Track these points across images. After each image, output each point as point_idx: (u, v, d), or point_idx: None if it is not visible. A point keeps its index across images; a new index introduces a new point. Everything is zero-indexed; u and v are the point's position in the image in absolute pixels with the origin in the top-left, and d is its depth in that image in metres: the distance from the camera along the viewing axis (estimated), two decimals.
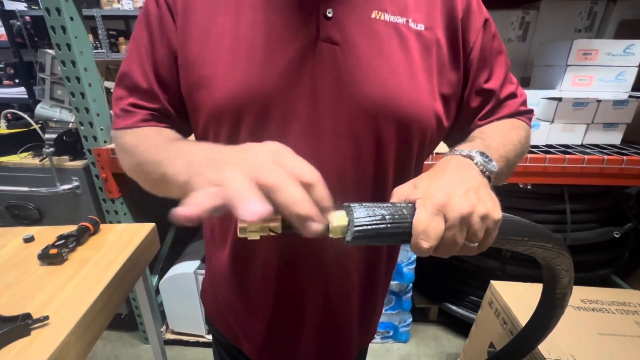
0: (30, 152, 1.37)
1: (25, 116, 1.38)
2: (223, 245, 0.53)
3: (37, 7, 2.42)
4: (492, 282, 1.09)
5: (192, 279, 1.44)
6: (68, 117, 1.37)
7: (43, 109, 1.40)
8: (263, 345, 0.57)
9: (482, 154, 0.38)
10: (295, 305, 0.53)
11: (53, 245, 0.71)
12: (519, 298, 1.00)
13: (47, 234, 0.80)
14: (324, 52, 0.41)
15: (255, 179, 0.27)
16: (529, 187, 1.26)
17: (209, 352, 1.50)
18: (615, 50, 1.24)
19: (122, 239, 0.81)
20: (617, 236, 1.34)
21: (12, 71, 2.38)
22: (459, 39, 0.46)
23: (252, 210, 0.25)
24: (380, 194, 0.47)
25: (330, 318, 0.54)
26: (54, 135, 1.23)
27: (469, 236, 0.32)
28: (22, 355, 0.50)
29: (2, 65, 2.38)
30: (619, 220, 1.39)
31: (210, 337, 1.12)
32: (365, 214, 0.31)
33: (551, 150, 1.23)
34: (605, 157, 1.15)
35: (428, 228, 0.30)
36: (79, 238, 0.77)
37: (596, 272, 1.43)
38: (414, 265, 1.47)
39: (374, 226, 0.30)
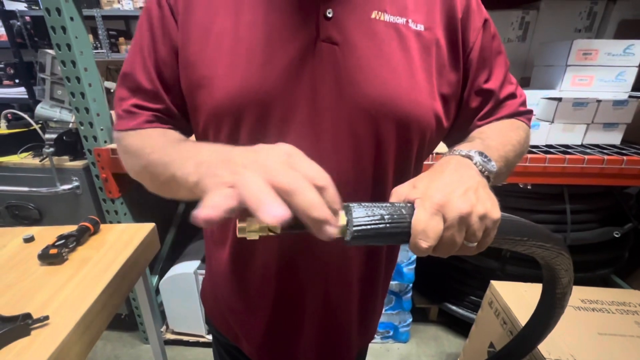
0: (30, 152, 1.37)
1: (26, 116, 1.38)
2: (223, 245, 0.53)
3: (37, 7, 2.43)
4: (492, 282, 1.09)
5: (192, 279, 1.44)
6: (68, 117, 1.37)
7: (43, 109, 1.40)
8: (263, 345, 0.57)
9: (481, 154, 0.38)
10: (295, 305, 0.53)
11: (53, 245, 0.72)
12: (519, 298, 1.00)
13: (47, 234, 0.80)
14: (323, 52, 0.41)
15: (271, 182, 0.27)
16: (529, 187, 1.26)
17: (209, 352, 1.51)
18: (615, 50, 1.24)
19: (122, 239, 0.81)
20: (617, 236, 1.34)
21: (12, 71, 2.39)
22: (458, 39, 0.46)
23: (272, 213, 0.25)
24: (379, 194, 0.47)
25: (330, 318, 0.54)
26: (54, 136, 1.23)
27: (468, 236, 0.32)
28: (22, 355, 0.50)
29: (2, 66, 2.38)
30: (619, 220, 1.39)
31: (210, 337, 1.12)
32: (364, 214, 0.31)
33: (551, 150, 1.23)
34: (605, 157, 1.15)
35: (427, 228, 0.30)
36: (79, 238, 0.77)
37: (596, 272, 1.43)
38: (414, 265, 1.47)
39: (372, 226, 0.30)
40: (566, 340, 0.84)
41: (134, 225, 0.87)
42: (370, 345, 0.71)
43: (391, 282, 1.51)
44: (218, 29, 0.42)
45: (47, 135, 1.24)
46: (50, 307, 0.58)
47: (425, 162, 0.53)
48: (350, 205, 0.31)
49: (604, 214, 1.38)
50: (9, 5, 2.37)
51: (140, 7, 2.52)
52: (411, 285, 1.52)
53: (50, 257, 0.70)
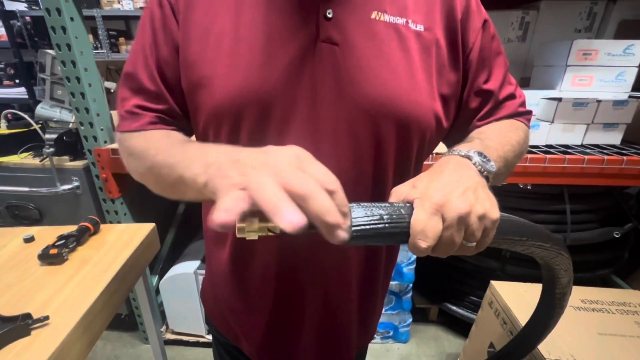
0: (30, 152, 1.37)
1: (26, 116, 1.38)
2: (223, 245, 0.53)
3: (37, 8, 2.43)
4: (492, 282, 1.09)
5: (192, 279, 1.44)
6: (68, 117, 1.38)
7: (43, 109, 1.40)
8: (263, 345, 0.57)
9: (480, 154, 0.38)
10: (295, 305, 0.53)
11: (53, 246, 0.72)
12: (519, 298, 1.00)
13: (47, 234, 0.80)
14: (323, 53, 0.41)
15: (284, 185, 0.27)
16: (529, 187, 1.26)
17: (209, 352, 1.51)
18: (615, 50, 1.24)
19: (122, 239, 0.81)
20: (617, 236, 1.34)
21: (12, 71, 2.39)
22: (458, 40, 0.46)
23: (290, 220, 0.25)
24: (379, 194, 0.47)
25: (330, 318, 0.54)
26: (54, 136, 1.23)
27: (467, 236, 0.32)
28: (22, 355, 0.50)
29: (2, 66, 2.38)
30: (619, 220, 1.39)
31: (210, 337, 1.12)
32: (363, 214, 0.31)
33: (551, 150, 1.23)
34: (605, 157, 1.15)
35: (426, 228, 0.30)
36: (79, 238, 0.77)
37: (596, 272, 1.43)
38: (414, 266, 1.47)
39: (372, 226, 0.30)
40: (566, 340, 0.84)
41: (134, 226, 0.87)
42: (370, 345, 0.71)
43: (391, 282, 1.51)
44: (218, 29, 0.42)
45: (47, 136, 1.24)
46: (50, 307, 0.59)
47: (425, 162, 0.53)
48: (350, 205, 0.31)
49: (604, 214, 1.38)
50: (9, 6, 2.38)
51: (141, 7, 2.52)
52: (411, 285, 1.52)
53: (51, 257, 0.70)
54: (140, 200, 1.41)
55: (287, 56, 0.41)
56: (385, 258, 0.56)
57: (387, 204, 0.32)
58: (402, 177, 0.47)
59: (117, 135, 0.49)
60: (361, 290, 0.55)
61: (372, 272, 0.55)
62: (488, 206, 0.32)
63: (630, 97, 1.26)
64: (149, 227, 0.87)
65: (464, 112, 0.50)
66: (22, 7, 2.44)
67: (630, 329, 0.91)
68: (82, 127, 1.18)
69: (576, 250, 1.34)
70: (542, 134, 1.28)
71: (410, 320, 1.60)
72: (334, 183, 0.29)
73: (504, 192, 1.35)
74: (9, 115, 1.50)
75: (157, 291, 1.56)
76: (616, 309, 0.98)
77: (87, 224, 0.81)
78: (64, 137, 1.26)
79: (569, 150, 1.22)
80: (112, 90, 1.40)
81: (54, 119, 1.39)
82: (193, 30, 0.43)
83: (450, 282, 1.64)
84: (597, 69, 1.27)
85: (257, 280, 0.52)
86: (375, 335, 1.66)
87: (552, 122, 1.26)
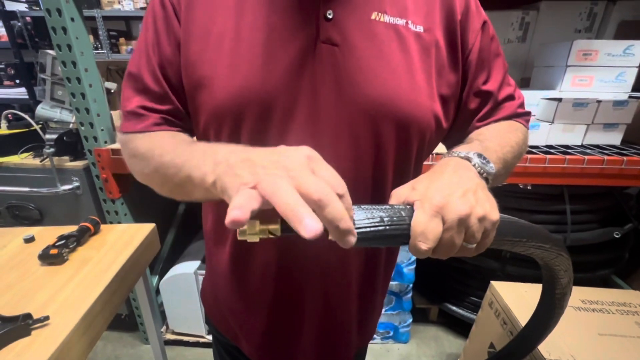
0: (30, 152, 1.37)
1: (26, 117, 1.38)
2: (223, 245, 0.53)
3: (38, 8, 2.44)
4: (492, 282, 1.09)
5: (192, 279, 1.44)
6: (68, 117, 1.38)
7: (44, 110, 1.40)
8: (263, 345, 0.57)
9: (479, 155, 0.38)
10: (295, 305, 0.53)
11: (53, 246, 0.72)
12: (519, 298, 1.00)
13: (47, 234, 0.80)
14: (323, 53, 0.41)
15: (299, 188, 0.27)
16: (529, 187, 1.26)
17: (209, 352, 1.51)
18: (615, 50, 1.24)
19: (123, 239, 0.81)
20: (617, 237, 1.34)
21: (12, 72, 2.39)
22: (457, 41, 0.46)
23: (310, 227, 0.25)
24: (379, 195, 0.47)
25: (329, 318, 0.54)
26: (54, 136, 1.23)
27: (467, 237, 0.32)
28: (22, 355, 0.50)
29: (2, 66, 2.39)
30: (619, 220, 1.39)
31: (210, 337, 1.12)
32: (363, 217, 0.31)
33: (551, 150, 1.23)
34: (605, 157, 1.15)
35: (426, 230, 0.30)
36: (79, 238, 0.77)
37: (596, 273, 1.43)
38: (414, 266, 1.47)
39: (372, 228, 0.31)
40: (566, 341, 0.84)
41: (134, 226, 0.87)
42: (370, 345, 0.71)
43: (391, 283, 1.51)
44: (219, 29, 0.42)
45: (47, 136, 1.24)
46: (50, 307, 0.59)
47: (425, 163, 0.53)
48: None
49: (604, 215, 1.38)
50: (10, 6, 2.38)
51: (141, 8, 2.53)
52: (411, 285, 1.52)
53: (51, 257, 0.70)
54: (141, 200, 1.41)
55: (288, 57, 0.41)
56: (385, 258, 0.56)
57: (388, 206, 0.32)
58: (402, 177, 0.47)
59: (119, 136, 0.48)
60: (361, 290, 0.55)
61: (371, 272, 0.55)
62: (488, 208, 0.32)
63: (630, 97, 1.26)
64: (149, 227, 0.87)
65: (463, 112, 0.50)
66: (22, 7, 2.44)
67: (631, 329, 0.91)
68: (83, 128, 1.18)
69: (576, 251, 1.34)
70: (542, 134, 1.28)
71: (411, 320, 1.60)
72: (343, 187, 0.29)
73: (504, 193, 1.35)
74: (9, 115, 1.50)
75: (157, 291, 1.56)
76: (616, 309, 0.98)
77: (87, 224, 0.81)
78: (65, 138, 1.26)
79: (569, 151, 1.22)
80: (112, 91, 1.40)
81: (55, 120, 1.39)
82: (194, 30, 0.43)
83: (451, 283, 1.64)
84: (597, 69, 1.27)
85: (257, 280, 0.52)
86: (375, 336, 1.66)
87: (552, 122, 1.26)
